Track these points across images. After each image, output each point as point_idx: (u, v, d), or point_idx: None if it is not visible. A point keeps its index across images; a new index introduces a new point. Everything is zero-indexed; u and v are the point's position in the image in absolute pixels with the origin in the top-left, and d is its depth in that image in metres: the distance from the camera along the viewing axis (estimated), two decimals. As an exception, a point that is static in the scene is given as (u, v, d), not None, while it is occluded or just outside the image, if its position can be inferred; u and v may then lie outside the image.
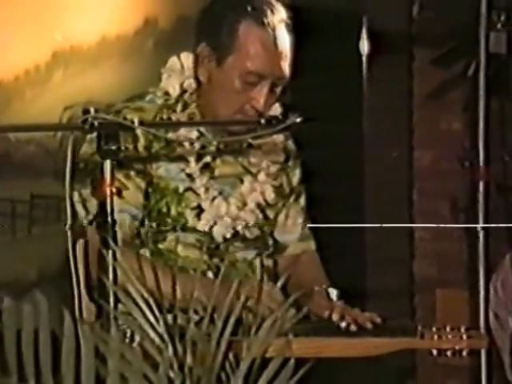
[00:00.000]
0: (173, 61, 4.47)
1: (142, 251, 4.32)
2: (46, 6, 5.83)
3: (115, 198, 3.73)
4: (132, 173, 4.26)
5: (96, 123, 3.83)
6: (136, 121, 3.90)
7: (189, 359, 2.52)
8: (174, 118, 4.39)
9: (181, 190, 4.34)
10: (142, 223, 4.35)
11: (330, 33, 6.04)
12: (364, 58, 6.29)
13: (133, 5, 6.14)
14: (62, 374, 2.49)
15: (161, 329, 2.62)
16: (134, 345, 2.68)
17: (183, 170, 4.37)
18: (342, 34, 6.31)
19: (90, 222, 4.22)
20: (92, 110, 3.89)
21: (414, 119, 6.56)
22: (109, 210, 3.75)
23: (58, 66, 5.83)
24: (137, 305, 2.80)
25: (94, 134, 3.78)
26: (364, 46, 6.30)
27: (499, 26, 6.08)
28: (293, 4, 5.92)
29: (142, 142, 4.27)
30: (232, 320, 2.60)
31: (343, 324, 4.07)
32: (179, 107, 4.40)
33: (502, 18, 6.08)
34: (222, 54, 4.31)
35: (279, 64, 4.29)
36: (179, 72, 4.42)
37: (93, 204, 4.17)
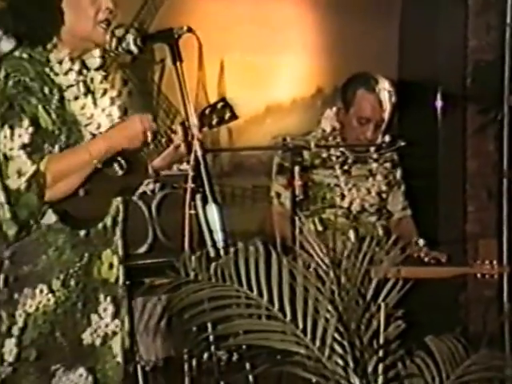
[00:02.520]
0: (328, 111, 4.48)
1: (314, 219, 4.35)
2: (263, 77, 5.85)
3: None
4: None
5: (290, 146, 3.85)
6: (312, 144, 3.93)
7: (343, 279, 2.47)
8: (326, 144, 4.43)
9: (331, 185, 4.36)
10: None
11: (417, 94, 5.98)
12: (438, 110, 6.20)
13: (310, 80, 6.12)
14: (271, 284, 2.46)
15: (327, 260, 2.57)
16: (311, 269, 2.62)
17: (331, 173, 4.35)
18: (424, 95, 6.25)
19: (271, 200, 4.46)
20: (288, 138, 3.91)
21: (467, 143, 6.45)
22: (297, 193, 3.76)
23: (269, 114, 5.83)
24: (313, 247, 2.75)
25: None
26: (438, 103, 6.19)
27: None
28: (398, 79, 5.86)
29: (305, 158, 4.23)
30: (367, 257, 2.53)
31: (426, 259, 4.03)
32: (331, 139, 4.41)
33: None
34: (348, 107, 4.35)
35: (380, 113, 4.29)
36: (331, 118, 4.41)
37: (282, 191, 4.24)
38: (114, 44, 2.99)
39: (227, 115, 3.04)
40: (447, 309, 4.26)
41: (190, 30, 2.90)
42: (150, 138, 2.97)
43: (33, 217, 2.86)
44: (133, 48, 2.97)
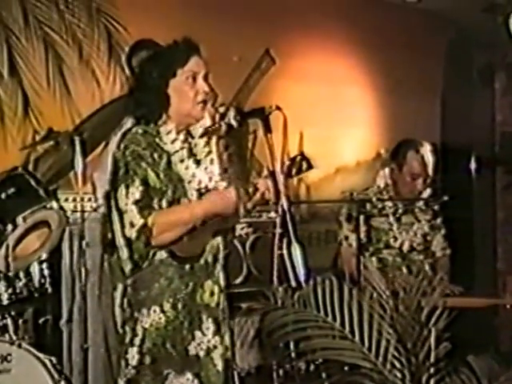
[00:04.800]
0: (381, 171, 4.44)
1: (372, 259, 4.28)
2: (334, 144, 5.87)
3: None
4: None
5: (356, 199, 3.80)
6: (374, 199, 3.88)
7: (400, 307, 2.41)
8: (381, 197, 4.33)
9: (386, 229, 4.28)
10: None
11: (456, 158, 5.93)
12: (473, 171, 6.12)
13: (370, 147, 6.11)
14: (343, 311, 2.41)
15: (387, 292, 2.51)
16: (373, 297, 2.56)
17: (386, 220, 4.30)
18: (461, 159, 6.20)
19: (340, 242, 4.35)
20: (354, 193, 3.87)
21: (496, 197, 6.36)
22: (361, 237, 3.70)
23: (338, 173, 5.83)
24: (376, 281, 2.68)
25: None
26: (472, 165, 6.10)
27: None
28: (441, 146, 5.79)
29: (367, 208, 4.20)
30: (419, 292, 2.47)
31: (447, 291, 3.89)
32: (385, 192, 4.35)
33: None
34: (401, 166, 4.25)
35: (426, 169, 4.23)
36: (384, 176, 4.36)
37: (349, 235, 4.18)
38: (217, 119, 3.01)
39: (304, 166, 3.01)
40: (483, 332, 4.12)
41: (278, 108, 2.89)
42: (241, 211, 2.96)
43: (141, 259, 2.89)
44: (233, 122, 2.97)
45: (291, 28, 5.67)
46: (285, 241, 2.87)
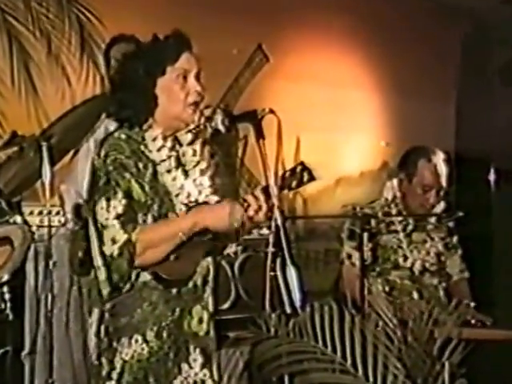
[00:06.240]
0: (389, 182, 4.45)
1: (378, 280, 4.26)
2: (334, 152, 5.88)
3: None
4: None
5: (359, 214, 3.79)
6: (380, 214, 3.87)
7: (409, 338, 2.39)
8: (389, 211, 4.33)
9: (395, 247, 4.27)
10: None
11: (472, 169, 5.96)
12: (491, 183, 6.15)
13: (376, 155, 6.12)
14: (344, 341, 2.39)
15: (394, 320, 2.49)
16: (379, 328, 2.54)
17: (394, 237, 4.26)
18: (478, 170, 6.22)
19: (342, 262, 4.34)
20: (357, 207, 3.86)
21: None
22: (365, 257, 3.70)
23: (339, 184, 5.84)
24: (381, 308, 2.66)
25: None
26: (491, 176, 6.13)
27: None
28: (456, 152, 5.81)
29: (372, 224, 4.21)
30: (431, 320, 2.45)
31: (473, 321, 3.89)
32: (393, 206, 4.34)
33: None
34: (411, 177, 4.24)
35: (439, 180, 4.23)
36: (392, 188, 4.36)
37: (353, 253, 4.17)
38: (202, 122, 2.98)
39: (306, 178, 2.99)
40: (503, 367, 4.09)
41: (271, 111, 2.86)
42: (236, 226, 2.93)
43: (122, 280, 2.86)
44: (220, 127, 2.94)
45: (287, 22, 5.68)
46: (278, 261, 2.85)
